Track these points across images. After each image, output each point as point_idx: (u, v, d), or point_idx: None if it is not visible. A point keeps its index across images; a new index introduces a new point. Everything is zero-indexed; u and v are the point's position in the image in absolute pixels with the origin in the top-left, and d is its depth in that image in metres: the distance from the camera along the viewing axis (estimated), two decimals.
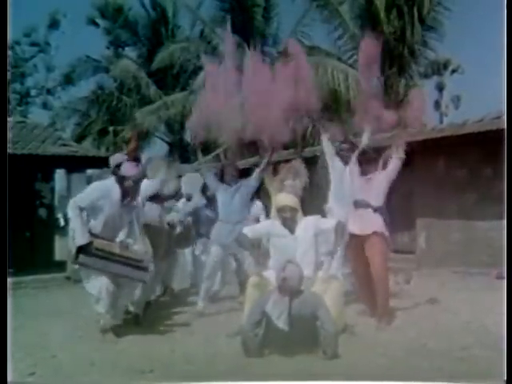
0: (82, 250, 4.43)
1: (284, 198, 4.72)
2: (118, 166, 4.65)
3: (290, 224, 4.64)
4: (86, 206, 4.49)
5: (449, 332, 4.58)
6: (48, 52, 21.15)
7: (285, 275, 3.91)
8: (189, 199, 6.82)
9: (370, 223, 4.95)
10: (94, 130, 18.81)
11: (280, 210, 4.64)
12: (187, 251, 6.84)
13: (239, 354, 3.96)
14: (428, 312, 5.30)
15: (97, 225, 4.55)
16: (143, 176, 4.82)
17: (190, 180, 7.06)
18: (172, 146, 20.23)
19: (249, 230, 4.73)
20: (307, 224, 4.66)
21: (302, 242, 4.59)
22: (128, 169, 4.68)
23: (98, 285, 4.54)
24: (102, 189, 4.60)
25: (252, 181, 5.77)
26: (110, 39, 20.89)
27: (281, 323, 3.80)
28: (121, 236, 4.65)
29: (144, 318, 5.14)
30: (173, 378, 3.62)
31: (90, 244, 4.43)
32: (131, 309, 5.08)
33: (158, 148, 21.85)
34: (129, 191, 4.62)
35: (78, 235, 4.42)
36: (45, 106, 21.19)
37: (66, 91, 21.15)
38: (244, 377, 3.58)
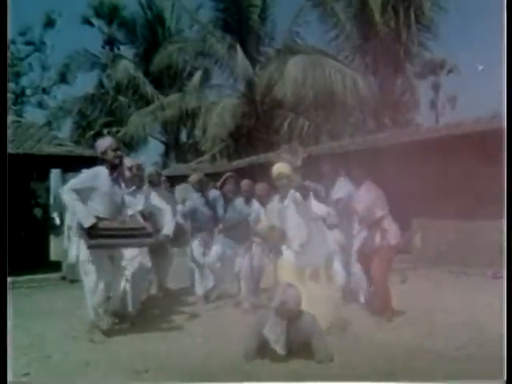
0: (89, 233, 4.43)
1: (279, 166, 4.89)
2: (102, 153, 4.68)
3: (284, 192, 4.80)
4: (80, 187, 4.49)
5: (445, 332, 4.58)
6: (43, 51, 21.09)
7: (284, 299, 3.85)
8: (183, 203, 6.78)
9: (373, 241, 5.18)
10: (90, 131, 18.70)
11: (276, 179, 4.81)
12: (188, 250, 6.79)
13: (235, 353, 3.94)
14: (424, 312, 5.30)
15: (97, 207, 4.55)
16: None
17: (183, 191, 7.09)
18: (168, 146, 20.21)
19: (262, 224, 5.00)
20: (296, 196, 4.75)
21: (293, 213, 4.72)
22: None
23: (94, 278, 4.54)
24: (94, 170, 4.65)
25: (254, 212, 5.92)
26: (105, 38, 20.85)
27: (278, 347, 3.78)
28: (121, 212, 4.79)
29: (139, 318, 5.12)
30: (169, 378, 3.60)
31: (95, 226, 4.43)
32: (127, 308, 5.09)
33: (153, 148, 21.87)
34: (116, 167, 4.73)
35: (82, 217, 4.41)
36: (40, 105, 21.12)
37: (62, 90, 21.07)
38: (240, 377, 3.57)
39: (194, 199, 6.36)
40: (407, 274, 7.37)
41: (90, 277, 4.55)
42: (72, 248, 4.81)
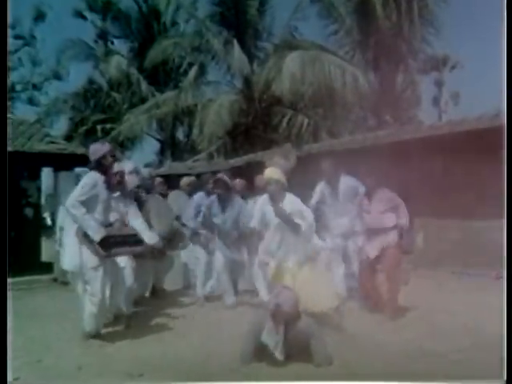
0: (99, 243, 4.43)
1: (269, 171, 5.10)
2: (100, 159, 4.60)
3: (276, 198, 4.99)
4: (84, 199, 4.45)
5: (446, 333, 4.53)
6: (33, 45, 20.68)
7: (278, 301, 3.80)
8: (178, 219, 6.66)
9: (380, 244, 5.30)
10: (83, 128, 18.43)
11: (267, 184, 5.02)
12: (183, 253, 6.70)
13: (232, 354, 3.89)
14: (425, 313, 5.25)
15: (97, 215, 4.52)
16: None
17: (176, 198, 6.99)
18: (164, 144, 20.02)
19: (253, 223, 5.22)
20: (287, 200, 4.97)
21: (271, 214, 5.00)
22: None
23: (100, 285, 4.48)
24: (92, 177, 4.59)
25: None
26: (98, 33, 20.42)
27: (277, 353, 3.73)
28: (114, 217, 4.84)
29: (134, 320, 5.07)
30: (164, 380, 3.57)
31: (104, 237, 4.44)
32: (122, 309, 5.04)
33: (149, 146, 21.67)
34: (110, 175, 4.77)
35: (93, 232, 4.39)
36: (31, 101, 20.73)
37: (54, 86, 20.67)
38: (238, 378, 3.54)
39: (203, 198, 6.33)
40: (409, 274, 7.27)
41: (94, 284, 4.48)
42: (71, 255, 4.65)
